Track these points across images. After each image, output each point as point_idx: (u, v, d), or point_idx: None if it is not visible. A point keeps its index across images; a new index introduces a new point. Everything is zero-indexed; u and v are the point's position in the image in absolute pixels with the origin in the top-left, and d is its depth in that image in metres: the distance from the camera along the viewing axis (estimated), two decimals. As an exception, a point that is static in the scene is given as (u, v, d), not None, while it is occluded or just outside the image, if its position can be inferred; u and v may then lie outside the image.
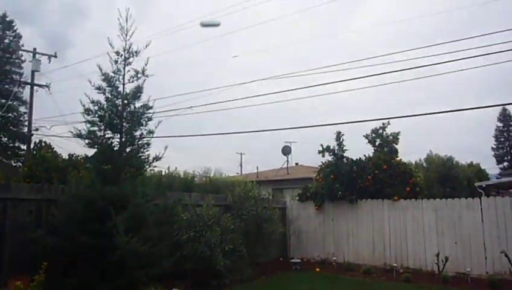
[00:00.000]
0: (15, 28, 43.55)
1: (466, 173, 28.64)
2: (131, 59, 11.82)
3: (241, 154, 48.85)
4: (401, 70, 13.69)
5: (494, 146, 55.03)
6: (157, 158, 11.64)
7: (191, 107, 16.20)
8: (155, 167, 12.19)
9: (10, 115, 41.25)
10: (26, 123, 31.55)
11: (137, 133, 11.59)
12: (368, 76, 14.27)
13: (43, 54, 29.29)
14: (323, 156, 18.40)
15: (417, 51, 13.61)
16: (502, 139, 54.38)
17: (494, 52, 11.70)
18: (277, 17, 19.99)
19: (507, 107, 46.31)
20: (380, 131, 17.77)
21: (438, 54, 12.81)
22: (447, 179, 25.49)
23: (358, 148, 18.71)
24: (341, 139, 18.23)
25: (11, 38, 43.32)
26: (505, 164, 52.86)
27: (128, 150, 11.60)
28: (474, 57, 12.06)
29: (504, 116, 52.87)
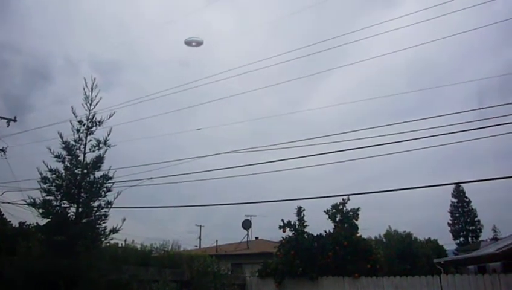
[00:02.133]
0: (-26, 89, 42.77)
1: (424, 249, 29.06)
2: (94, 128, 11.80)
3: (200, 226, 47.70)
4: (361, 147, 14.22)
5: (450, 221, 56.39)
6: (114, 230, 11.27)
7: (152, 178, 15.98)
8: (112, 239, 11.78)
9: (-42, 177, 39.27)
10: (-24, 187, 29.99)
11: (95, 204, 11.30)
12: (325, 153, 14.65)
13: (1, 118, 28.61)
14: (284, 231, 18.26)
15: (377, 129, 14.28)
16: (457, 214, 55.85)
17: (447, 133, 12.42)
18: (243, 91, 20.60)
19: (461, 184, 48.13)
20: (340, 207, 17.97)
21: (392, 134, 13.45)
22: (406, 255, 25.73)
23: (319, 223, 18.72)
24: (302, 215, 18.26)
25: (-31, 99, 42.40)
26: (461, 239, 54.03)
27: (84, 221, 11.22)
28: (427, 137, 12.75)
29: (458, 192, 54.73)
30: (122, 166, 14.78)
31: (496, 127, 11.36)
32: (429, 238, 35.03)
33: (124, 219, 11.31)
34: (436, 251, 31.03)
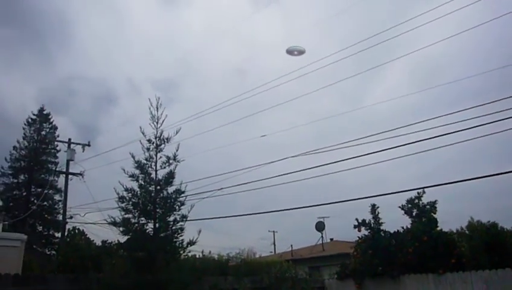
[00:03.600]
0: (51, 120, 45.91)
1: (513, 238, 27.04)
2: (162, 146, 12.20)
3: (273, 232, 47.71)
4: (429, 138, 13.60)
5: (538, 207, 52.47)
6: (191, 243, 11.54)
7: (222, 188, 16.29)
8: (189, 251, 12.07)
9: (45, 203, 42.25)
10: (61, 211, 32.13)
11: (171, 219, 11.63)
12: (393, 147, 14.18)
13: (77, 144, 30.47)
14: (359, 230, 17.81)
15: (442, 118, 13.60)
16: (546, 199, 51.91)
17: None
18: (300, 94, 20.47)
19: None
20: (416, 201, 17.23)
21: (466, 120, 12.72)
22: (494, 247, 24.08)
23: (395, 220, 18.06)
24: (376, 212, 17.69)
25: (48, 130, 45.55)
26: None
27: (162, 235, 11.58)
28: (497, 121, 11.93)
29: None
30: (192, 179, 15.19)
31: None
32: (517, 226, 32.69)
33: (200, 231, 11.57)
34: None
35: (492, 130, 12.55)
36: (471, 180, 13.73)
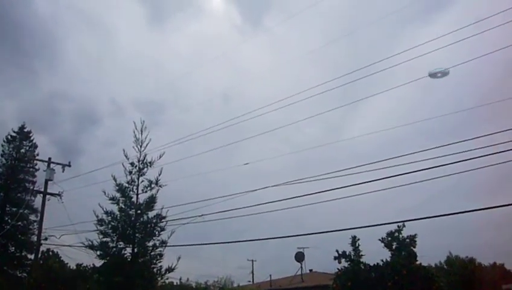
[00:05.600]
0: (31, 138, 45.01)
1: (490, 274, 27.37)
2: (145, 169, 12.14)
3: (252, 261, 47.09)
4: (410, 172, 13.77)
5: (515, 244, 53.13)
6: (170, 269, 11.37)
7: (202, 215, 16.09)
8: (167, 278, 11.87)
9: (20, 223, 40.97)
10: (36, 232, 31.25)
11: (150, 244, 11.47)
12: (375, 180, 14.27)
13: (57, 163, 29.83)
14: (339, 262, 17.71)
15: (425, 152, 13.83)
16: (522, 236, 52.66)
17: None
18: (285, 123, 20.63)
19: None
20: (396, 234, 17.30)
21: (445, 155, 12.94)
22: (471, 283, 24.28)
23: (375, 253, 18.05)
24: (357, 244, 17.67)
25: (27, 148, 44.69)
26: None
27: (140, 261, 11.38)
28: (477, 157, 12.18)
29: (520, 213, 51.85)
30: (174, 205, 15.02)
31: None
32: (495, 263, 32.97)
33: (179, 258, 11.45)
34: (503, 275, 29.10)
35: (470, 167, 12.79)
36: (450, 215, 13.87)
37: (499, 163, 12.26)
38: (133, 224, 11.18)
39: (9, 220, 41.30)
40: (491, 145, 11.99)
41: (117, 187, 11.51)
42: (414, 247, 17.13)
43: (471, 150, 12.23)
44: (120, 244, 11.22)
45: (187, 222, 16.93)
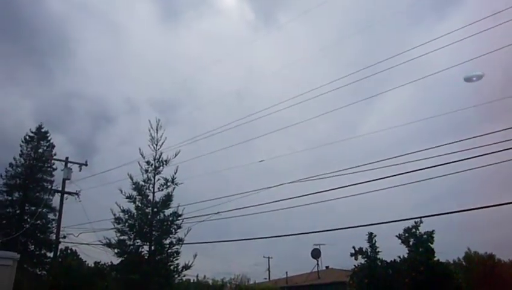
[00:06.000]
0: (49, 137, 45.69)
1: (510, 271, 26.90)
2: (161, 168, 12.20)
3: (268, 258, 47.08)
4: (428, 167, 13.60)
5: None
6: (186, 267, 11.42)
7: (219, 212, 16.13)
8: (184, 275, 11.94)
9: (39, 222, 41.60)
10: (54, 230, 31.70)
11: (167, 242, 11.54)
12: (391, 176, 14.13)
13: (74, 163, 30.25)
14: (356, 259, 17.61)
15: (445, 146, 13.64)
16: (543, 231, 51.68)
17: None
18: (299, 121, 20.52)
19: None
20: (413, 230, 17.11)
21: (466, 149, 12.75)
22: (490, 279, 23.92)
23: (392, 249, 17.87)
24: (373, 241, 17.54)
25: (45, 147, 45.33)
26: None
27: (157, 258, 11.47)
28: (494, 152, 11.97)
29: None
30: (190, 202, 15.09)
31: None
32: (514, 259, 32.47)
33: (196, 255, 11.47)
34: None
35: (489, 162, 12.58)
36: (469, 211, 13.68)
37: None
38: (150, 222, 11.26)
39: (28, 219, 42.04)
40: (503, 141, 11.80)
41: (133, 185, 11.61)
42: (432, 243, 16.94)
43: (482, 146, 12.07)
44: (137, 242, 11.32)
45: (203, 220, 17.01)
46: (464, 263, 29.50)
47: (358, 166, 15.16)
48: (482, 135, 12.61)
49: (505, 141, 11.64)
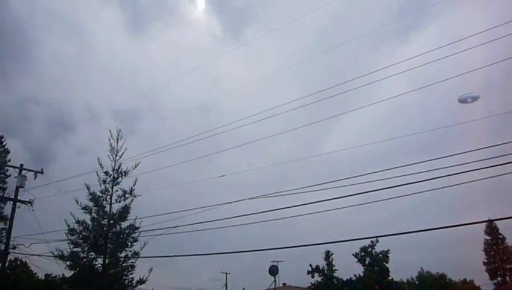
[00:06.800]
0: (3, 143, 43.99)
1: (460, 290, 27.83)
2: (120, 179, 11.94)
3: (226, 273, 46.62)
4: (385, 188, 13.94)
5: (485, 260, 53.99)
6: (141, 281, 11.17)
7: (177, 226, 15.92)
8: (138, 290, 11.63)
9: (-13, 231, 39.85)
10: (4, 240, 30.31)
11: (122, 255, 11.27)
12: (350, 195, 14.36)
13: (29, 170, 29.17)
14: (312, 276, 17.82)
15: (399, 168, 14.01)
16: (492, 253, 53.52)
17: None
18: (262, 137, 20.66)
19: (493, 221, 46.37)
20: (369, 249, 17.50)
21: (415, 173, 13.15)
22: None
23: (348, 267, 18.18)
24: (330, 259, 17.82)
25: (-1, 153, 43.61)
26: (499, 278, 51.40)
27: (111, 272, 11.16)
28: (449, 175, 12.41)
29: (491, 229, 52.71)
30: (148, 215, 14.82)
31: None
32: (465, 279, 33.60)
33: (151, 269, 11.24)
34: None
35: (442, 184, 13.03)
36: (423, 231, 14.07)
37: (469, 181, 12.56)
38: (105, 234, 10.98)
39: (-24, 228, 39.96)
40: (462, 164, 12.24)
41: (90, 196, 11.32)
42: (387, 262, 17.39)
43: (442, 168, 12.49)
44: (91, 255, 10.99)
45: (161, 233, 16.73)
46: (416, 282, 30.28)
47: (319, 184, 15.34)
48: (440, 158, 13.06)
49: (462, 164, 12.10)
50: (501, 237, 53.79)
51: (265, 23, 51.37)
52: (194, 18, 58.76)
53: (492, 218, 28.84)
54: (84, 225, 11.16)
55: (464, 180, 12.80)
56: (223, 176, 19.58)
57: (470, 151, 12.52)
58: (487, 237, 54.59)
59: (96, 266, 11.18)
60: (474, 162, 11.99)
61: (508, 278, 51.82)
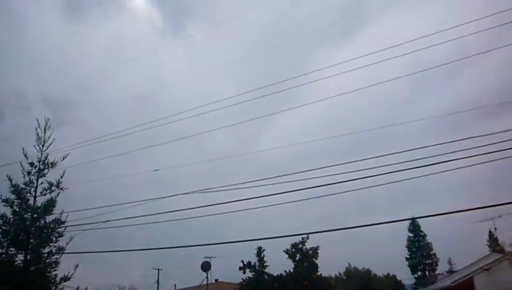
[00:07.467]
0: None
1: (384, 285, 29.33)
2: (46, 170, 11.35)
3: (158, 269, 45.65)
4: (318, 186, 14.34)
5: (408, 256, 57.21)
6: (65, 278, 10.69)
7: (107, 221, 15.41)
8: (62, 287, 11.13)
9: None
10: None
11: (46, 251, 10.72)
12: (283, 192, 14.63)
13: None
14: (244, 272, 18.00)
15: (333, 167, 14.49)
16: (414, 249, 56.76)
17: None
18: (197, 131, 20.52)
19: (416, 219, 49.21)
20: (300, 246, 17.97)
21: (347, 172, 13.67)
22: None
23: (279, 263, 18.56)
24: (262, 255, 18.10)
25: None
26: (419, 273, 54.69)
27: (33, 269, 10.59)
28: (379, 175, 13.03)
29: (414, 227, 55.86)
30: (76, 209, 14.22)
31: (440, 164, 11.76)
32: (388, 274, 35.42)
33: (77, 266, 10.79)
34: (395, 286, 31.37)
35: (371, 183, 13.63)
36: (352, 229, 14.65)
37: (393, 182, 13.23)
38: (28, 229, 10.40)
39: None
40: (388, 165, 12.84)
41: (12, 188, 10.66)
42: (316, 258, 17.91)
43: (369, 168, 13.04)
44: (11, 251, 10.37)
45: (90, 228, 16.14)
46: (344, 277, 31.55)
47: (255, 181, 15.48)
48: (372, 157, 13.59)
49: (387, 165, 12.67)
50: (422, 234, 57.25)
51: (208, 18, 50.94)
52: (135, 7, 57.01)
53: (415, 216, 30.70)
54: (4, 218, 10.51)
55: (390, 180, 13.52)
56: (157, 170, 19.23)
57: (393, 153, 13.17)
58: (410, 234, 57.86)
59: (16, 263, 10.57)
60: (399, 163, 12.66)
61: (427, 272, 55.29)
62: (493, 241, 45.50)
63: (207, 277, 29.79)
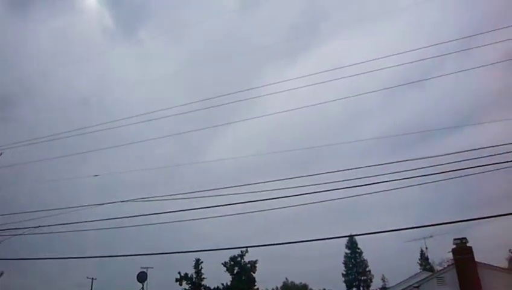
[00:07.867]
0: None
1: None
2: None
3: (92, 279, 43.74)
4: (258, 200, 14.49)
5: (344, 272, 58.55)
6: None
7: (39, 226, 14.72)
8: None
9: None
10: None
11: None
12: (224, 205, 14.64)
13: None
14: (180, 284, 17.76)
15: (275, 182, 14.71)
16: (350, 265, 58.22)
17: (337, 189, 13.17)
18: (141, 139, 20.19)
19: (353, 236, 50.58)
20: (239, 259, 18.00)
21: (287, 188, 13.93)
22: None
23: (217, 276, 18.47)
24: (199, 267, 17.97)
25: None
26: (354, 289, 56.07)
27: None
28: (319, 192, 13.40)
29: (351, 244, 57.38)
30: (4, 213, 13.54)
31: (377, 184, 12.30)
32: (324, 289, 36.16)
33: (2, 273, 10.23)
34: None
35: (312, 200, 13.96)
36: (291, 244, 14.87)
37: (334, 199, 13.66)
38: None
39: None
40: (328, 183, 13.22)
41: None
42: (254, 272, 18.01)
43: (313, 184, 13.37)
44: None
45: (20, 233, 15.39)
46: (281, 291, 31.87)
47: (193, 192, 15.39)
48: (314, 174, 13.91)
49: (339, 181, 13.02)
50: (359, 251, 58.97)
51: (160, 23, 50.42)
52: (85, 6, 55.44)
53: (353, 233, 31.72)
54: None
55: (330, 197, 13.92)
56: (96, 175, 18.68)
57: (334, 171, 13.60)
58: (347, 251, 59.39)
59: None
60: (338, 181, 13.09)
61: (361, 288, 56.89)
62: (424, 260, 47.69)
63: (143, 287, 29.12)
